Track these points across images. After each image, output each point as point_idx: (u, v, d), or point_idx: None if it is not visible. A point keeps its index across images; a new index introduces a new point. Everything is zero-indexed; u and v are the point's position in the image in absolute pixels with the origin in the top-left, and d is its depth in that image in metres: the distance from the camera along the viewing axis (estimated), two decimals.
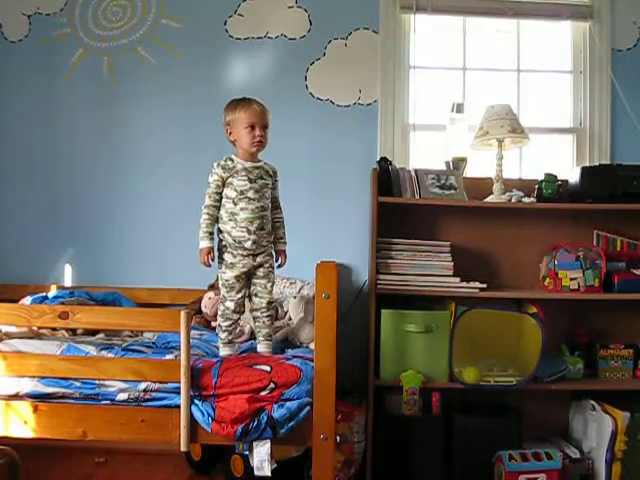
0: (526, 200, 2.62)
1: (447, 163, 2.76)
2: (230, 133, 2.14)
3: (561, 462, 2.35)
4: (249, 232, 2.07)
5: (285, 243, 2.22)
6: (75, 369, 1.95)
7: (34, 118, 2.95)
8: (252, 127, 2.08)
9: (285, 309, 2.56)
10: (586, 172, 2.62)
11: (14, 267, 2.89)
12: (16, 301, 2.45)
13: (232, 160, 2.11)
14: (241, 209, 2.07)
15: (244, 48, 2.94)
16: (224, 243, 2.10)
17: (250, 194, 2.07)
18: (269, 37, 2.94)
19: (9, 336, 2.17)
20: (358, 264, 2.87)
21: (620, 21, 2.93)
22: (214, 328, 2.54)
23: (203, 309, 2.59)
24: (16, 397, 1.96)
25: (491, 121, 2.61)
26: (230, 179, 2.08)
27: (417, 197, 2.60)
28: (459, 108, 2.84)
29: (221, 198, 2.10)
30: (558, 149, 3.03)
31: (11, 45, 2.95)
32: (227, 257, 2.09)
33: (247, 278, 2.12)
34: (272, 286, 2.16)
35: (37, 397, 1.95)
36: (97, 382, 1.95)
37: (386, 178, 2.58)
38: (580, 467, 2.46)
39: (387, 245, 2.57)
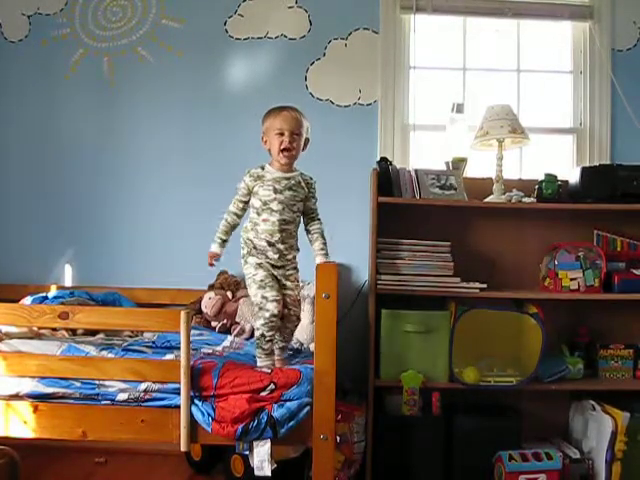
0: (526, 200, 2.62)
1: (447, 163, 2.76)
2: (266, 142, 2.08)
3: (561, 462, 2.35)
4: (269, 244, 2.02)
5: (325, 255, 2.08)
6: (75, 369, 1.95)
7: (34, 118, 2.95)
8: (281, 134, 2.02)
9: None
10: (586, 172, 2.61)
11: (14, 267, 2.89)
12: (16, 301, 2.45)
13: (262, 169, 2.06)
14: (263, 220, 2.02)
15: (244, 48, 2.94)
16: (248, 249, 2.05)
17: (273, 205, 2.01)
18: (269, 37, 2.94)
19: (9, 336, 2.17)
20: (358, 264, 2.87)
21: (620, 21, 2.93)
22: (214, 328, 2.54)
23: (203, 309, 2.59)
24: (16, 397, 1.96)
25: (491, 121, 2.61)
26: (257, 188, 2.03)
27: (417, 197, 2.59)
28: (459, 108, 2.83)
29: (246, 206, 2.07)
30: (558, 149, 3.03)
31: (11, 45, 2.95)
32: (252, 260, 2.03)
33: (278, 282, 2.04)
34: (300, 301, 2.13)
35: (37, 397, 1.95)
36: (97, 382, 1.95)
37: (386, 178, 2.57)
38: (580, 467, 2.46)
39: (387, 245, 2.56)
